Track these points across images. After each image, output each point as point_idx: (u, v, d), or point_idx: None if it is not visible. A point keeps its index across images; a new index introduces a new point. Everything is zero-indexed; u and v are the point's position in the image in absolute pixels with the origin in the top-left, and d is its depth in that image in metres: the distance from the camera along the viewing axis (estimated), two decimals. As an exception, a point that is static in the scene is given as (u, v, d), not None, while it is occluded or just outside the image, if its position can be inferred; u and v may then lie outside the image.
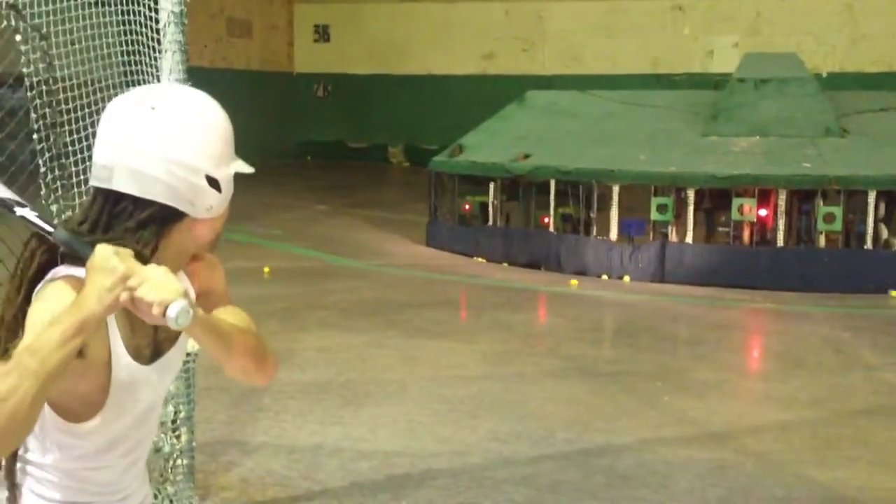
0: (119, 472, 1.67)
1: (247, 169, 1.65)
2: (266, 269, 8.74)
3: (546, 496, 4.02)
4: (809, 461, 4.47)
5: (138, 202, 1.54)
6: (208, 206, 1.59)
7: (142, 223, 1.54)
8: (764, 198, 8.57)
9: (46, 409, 1.54)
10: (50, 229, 1.53)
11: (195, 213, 1.58)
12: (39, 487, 1.61)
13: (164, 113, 1.55)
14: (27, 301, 1.52)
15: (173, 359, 1.68)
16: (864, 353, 6.44)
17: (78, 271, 1.49)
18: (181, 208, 1.56)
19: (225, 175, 1.61)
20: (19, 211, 1.56)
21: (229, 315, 1.71)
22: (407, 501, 3.94)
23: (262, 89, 19.11)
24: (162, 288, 1.42)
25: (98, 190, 1.57)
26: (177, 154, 1.54)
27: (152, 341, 1.62)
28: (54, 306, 1.45)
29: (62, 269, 1.53)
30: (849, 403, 5.37)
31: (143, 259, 1.50)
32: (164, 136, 1.53)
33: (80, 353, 1.48)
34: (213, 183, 1.58)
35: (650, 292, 8.30)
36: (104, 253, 1.43)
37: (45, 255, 1.55)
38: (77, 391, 1.54)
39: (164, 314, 1.42)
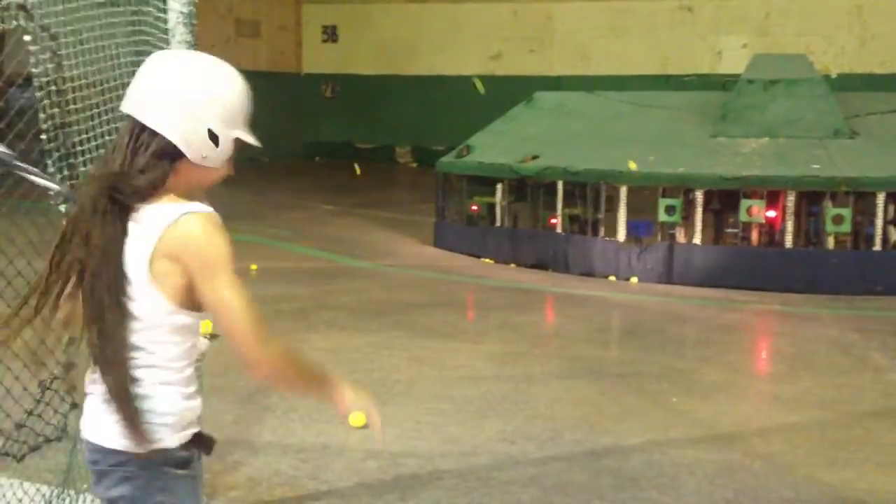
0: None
1: (251, 139, 1.92)
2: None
3: (553, 497, 4.02)
4: (818, 463, 4.45)
5: (153, 134, 1.85)
6: (203, 155, 1.88)
7: (155, 154, 1.85)
8: (773, 199, 8.55)
9: (182, 312, 1.89)
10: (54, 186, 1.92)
11: (191, 156, 1.87)
12: (168, 376, 1.93)
13: (194, 69, 1.89)
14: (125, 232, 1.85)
15: None
16: (873, 355, 6.42)
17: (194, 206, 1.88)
18: (180, 147, 1.85)
19: (226, 135, 1.89)
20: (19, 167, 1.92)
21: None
22: (414, 502, 3.94)
23: (271, 89, 19.10)
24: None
25: (134, 121, 1.87)
26: (191, 102, 1.85)
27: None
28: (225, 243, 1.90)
29: (191, 206, 1.88)
30: (858, 405, 5.35)
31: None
32: (187, 86, 1.85)
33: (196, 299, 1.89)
34: (213, 137, 1.87)
35: (658, 293, 8.28)
36: (372, 405, 2.14)
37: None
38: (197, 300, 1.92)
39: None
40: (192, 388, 1.99)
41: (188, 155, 1.86)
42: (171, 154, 1.85)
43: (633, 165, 8.17)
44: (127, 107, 1.89)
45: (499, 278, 8.82)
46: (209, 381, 3.57)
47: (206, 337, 3.25)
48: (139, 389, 1.87)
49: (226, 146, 1.89)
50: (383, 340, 6.41)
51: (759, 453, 4.55)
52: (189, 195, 1.91)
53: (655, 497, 4.04)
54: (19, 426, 3.06)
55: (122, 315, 1.83)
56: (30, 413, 3.06)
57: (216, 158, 1.90)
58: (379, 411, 2.12)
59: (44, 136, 3.05)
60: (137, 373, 1.87)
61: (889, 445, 4.70)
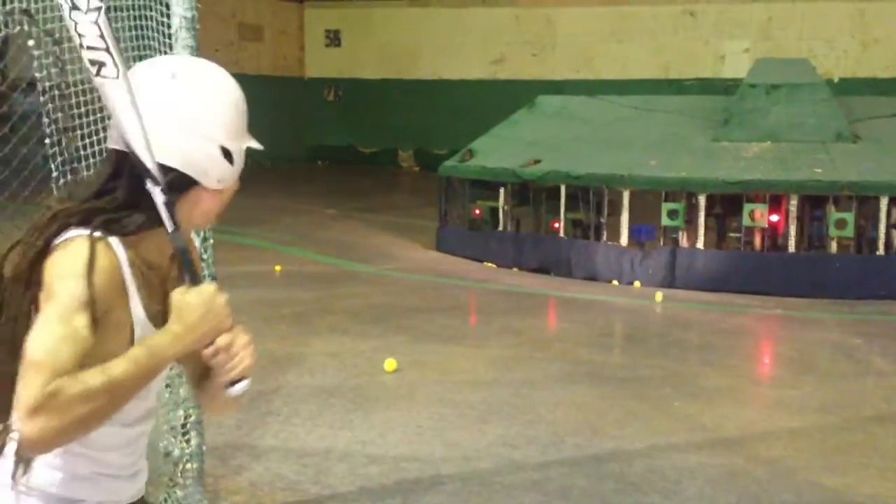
0: (129, 441, 1.69)
1: (257, 145, 1.67)
2: (277, 269, 8.78)
3: (555, 501, 4.02)
4: (820, 467, 4.45)
5: (157, 168, 1.55)
6: (220, 178, 1.61)
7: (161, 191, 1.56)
8: (775, 203, 8.54)
9: None
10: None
11: (207, 183, 1.60)
12: (54, 460, 1.60)
13: (185, 81, 1.58)
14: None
15: None
16: (876, 360, 6.41)
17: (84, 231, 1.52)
18: (195, 177, 1.58)
19: (237, 148, 1.63)
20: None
21: None
22: (416, 506, 3.94)
23: (274, 94, 19.16)
24: (251, 357, 1.57)
25: (118, 152, 1.57)
26: (195, 121, 1.57)
27: (164, 308, 1.63)
28: (79, 268, 1.47)
29: (79, 231, 1.53)
30: (860, 410, 5.35)
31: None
32: (184, 104, 1.56)
33: (101, 321, 1.50)
34: (227, 154, 1.61)
35: (660, 298, 8.27)
36: (217, 297, 1.54)
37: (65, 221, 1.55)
38: (99, 356, 1.49)
39: (232, 384, 1.55)
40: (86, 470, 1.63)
41: (204, 183, 1.59)
42: (177, 187, 1.57)
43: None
44: (118, 142, 1.56)
45: (501, 282, 8.81)
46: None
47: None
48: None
49: (239, 161, 1.64)
50: (385, 345, 6.40)
51: (761, 458, 4.54)
52: (192, 227, 1.69)
53: (658, 502, 4.04)
54: None
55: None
56: None
57: (232, 177, 1.63)
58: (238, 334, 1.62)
59: (47, 141, 3.05)
60: None
61: (891, 450, 4.70)
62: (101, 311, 1.50)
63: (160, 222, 1.57)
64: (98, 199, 1.57)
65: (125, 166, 1.56)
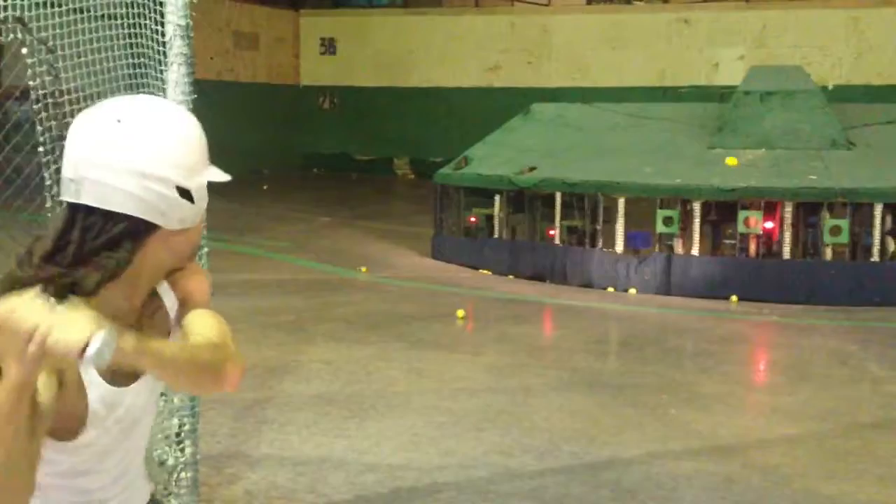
0: (108, 481, 1.65)
1: (221, 177, 1.60)
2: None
3: (552, 510, 4.01)
4: (816, 474, 4.44)
5: (109, 216, 1.50)
6: (181, 218, 1.55)
7: (114, 239, 1.50)
8: (770, 210, 8.56)
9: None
10: None
11: (168, 225, 1.54)
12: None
13: (131, 125, 1.52)
14: None
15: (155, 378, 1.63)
16: (871, 366, 6.41)
17: None
18: (153, 220, 1.52)
19: (197, 185, 1.56)
20: None
21: (197, 319, 1.65)
22: (412, 515, 3.92)
23: (269, 102, 19.18)
24: (71, 328, 1.33)
25: (69, 205, 1.52)
26: (144, 166, 1.50)
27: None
28: None
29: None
30: (856, 416, 5.35)
31: (88, 284, 1.47)
32: (131, 149, 1.50)
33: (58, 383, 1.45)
34: (185, 194, 1.54)
35: (656, 305, 8.28)
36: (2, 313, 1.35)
37: None
38: (59, 413, 1.49)
39: (82, 356, 1.33)
40: None
41: (165, 226, 1.53)
42: (135, 234, 1.51)
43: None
44: (69, 194, 1.51)
45: (497, 290, 8.81)
46: (206, 395, 3.56)
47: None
48: None
49: (201, 196, 1.57)
50: (381, 352, 6.40)
51: (757, 465, 4.53)
52: (165, 270, 1.62)
53: (654, 509, 4.03)
54: None
55: None
56: None
57: (195, 215, 1.57)
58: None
59: (41, 149, 3.05)
60: None
61: (887, 457, 4.69)
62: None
63: (119, 272, 1.50)
64: (51, 259, 1.49)
65: (77, 217, 1.51)
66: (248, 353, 6.12)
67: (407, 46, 19.51)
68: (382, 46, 19.64)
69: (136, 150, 1.50)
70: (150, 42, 3.22)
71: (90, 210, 1.50)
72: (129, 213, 1.50)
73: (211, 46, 17.04)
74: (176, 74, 3.15)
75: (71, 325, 1.34)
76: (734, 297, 8.36)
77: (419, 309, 7.87)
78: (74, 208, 1.51)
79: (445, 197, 10.22)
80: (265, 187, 15.21)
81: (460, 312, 7.63)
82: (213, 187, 1.66)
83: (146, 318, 1.63)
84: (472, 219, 10.01)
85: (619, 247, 8.89)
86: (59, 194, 2.69)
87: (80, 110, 3.10)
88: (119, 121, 1.52)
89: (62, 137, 3.10)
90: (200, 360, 1.55)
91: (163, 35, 3.19)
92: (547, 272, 9.22)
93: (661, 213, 8.68)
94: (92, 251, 1.49)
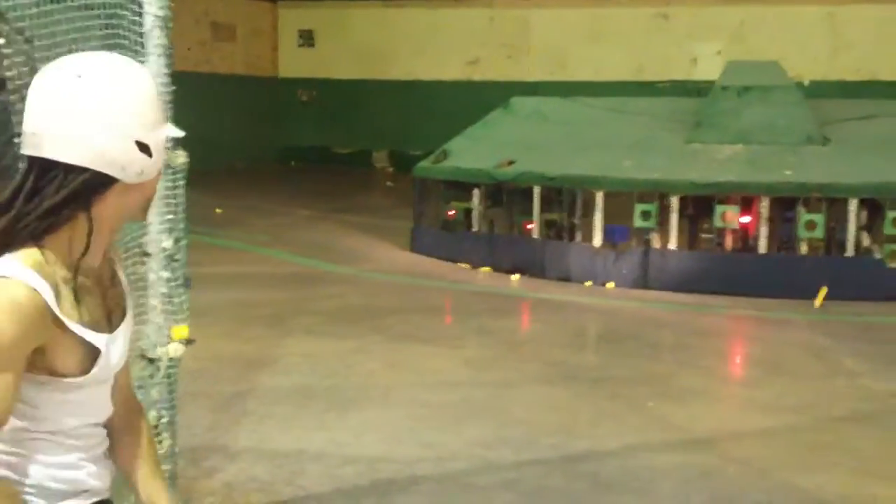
0: (104, 413, 1.76)
1: (176, 132, 1.69)
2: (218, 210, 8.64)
3: (530, 502, 4.03)
4: (792, 467, 4.49)
5: (69, 169, 1.55)
6: (139, 171, 1.61)
7: (74, 191, 1.56)
8: (746, 205, 8.61)
9: (42, 378, 1.61)
10: None
11: (126, 178, 1.60)
12: (44, 450, 1.67)
13: (91, 80, 1.56)
14: None
15: (127, 326, 1.76)
16: (846, 360, 6.48)
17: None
18: (112, 174, 1.58)
19: (155, 140, 1.63)
20: None
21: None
22: (391, 507, 3.93)
23: (247, 94, 19.07)
24: None
25: (30, 158, 1.58)
26: (105, 119, 1.55)
27: (105, 309, 1.69)
28: None
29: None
30: (831, 410, 5.40)
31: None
32: (92, 102, 1.55)
33: (47, 366, 1.59)
34: (144, 148, 1.60)
35: (634, 298, 8.32)
36: None
37: None
38: (66, 366, 1.63)
39: None
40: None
41: (123, 179, 1.59)
42: (94, 186, 1.58)
43: None
44: (30, 147, 1.57)
45: (475, 283, 8.82)
46: (184, 387, 3.55)
47: (181, 343, 3.23)
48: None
49: (158, 151, 1.64)
50: (360, 346, 6.40)
51: (733, 457, 4.58)
52: (122, 223, 1.72)
53: (631, 501, 4.06)
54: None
55: None
56: None
57: (153, 169, 1.64)
58: None
59: (17, 140, 3.02)
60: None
61: (861, 450, 4.75)
62: (33, 348, 1.56)
63: (78, 207, 1.58)
64: (7, 209, 1.57)
65: (36, 169, 1.57)
66: (227, 346, 6.11)
67: (386, 39, 19.46)
68: (362, 39, 19.58)
69: (96, 104, 1.55)
70: (128, 33, 3.20)
71: (51, 164, 1.55)
72: (88, 165, 1.56)
73: (188, 37, 16.91)
74: (154, 66, 3.14)
75: None
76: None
77: (398, 302, 7.87)
78: (34, 161, 1.57)
79: (424, 190, 10.21)
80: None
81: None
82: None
83: (108, 287, 1.73)
84: (451, 212, 10.01)
85: (598, 241, 8.92)
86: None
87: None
88: (79, 76, 1.56)
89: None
90: None
91: (141, 26, 3.16)
92: (525, 266, 9.24)
93: (638, 207, 8.72)
94: (51, 203, 1.55)
